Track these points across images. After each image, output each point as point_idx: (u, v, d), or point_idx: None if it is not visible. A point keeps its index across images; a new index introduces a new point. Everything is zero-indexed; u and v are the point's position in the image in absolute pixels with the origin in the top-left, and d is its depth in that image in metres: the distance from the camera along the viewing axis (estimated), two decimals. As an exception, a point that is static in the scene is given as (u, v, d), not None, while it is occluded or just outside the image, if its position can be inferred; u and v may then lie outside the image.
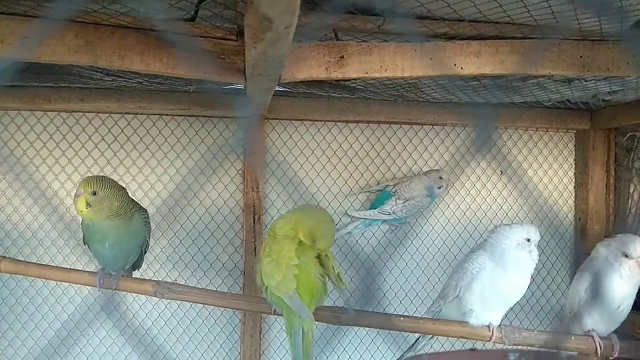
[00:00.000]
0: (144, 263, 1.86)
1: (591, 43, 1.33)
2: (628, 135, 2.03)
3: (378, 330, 1.88)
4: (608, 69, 1.34)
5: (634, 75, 1.37)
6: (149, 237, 1.43)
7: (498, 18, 1.20)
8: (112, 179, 1.35)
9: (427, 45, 1.26)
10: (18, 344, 1.84)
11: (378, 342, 2.04)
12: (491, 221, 2.08)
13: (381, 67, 1.25)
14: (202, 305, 1.83)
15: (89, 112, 1.88)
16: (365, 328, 1.92)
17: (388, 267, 2.05)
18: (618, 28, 1.25)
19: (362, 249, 2.04)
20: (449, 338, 1.92)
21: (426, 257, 2.07)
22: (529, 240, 1.34)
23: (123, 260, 1.40)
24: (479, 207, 2.09)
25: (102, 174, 1.88)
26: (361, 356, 2.04)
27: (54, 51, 1.14)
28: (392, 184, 1.98)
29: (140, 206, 1.42)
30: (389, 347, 2.03)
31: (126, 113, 1.89)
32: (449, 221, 2.08)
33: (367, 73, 1.26)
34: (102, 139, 1.90)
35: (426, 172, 1.95)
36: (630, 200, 2.04)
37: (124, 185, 1.37)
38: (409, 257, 2.06)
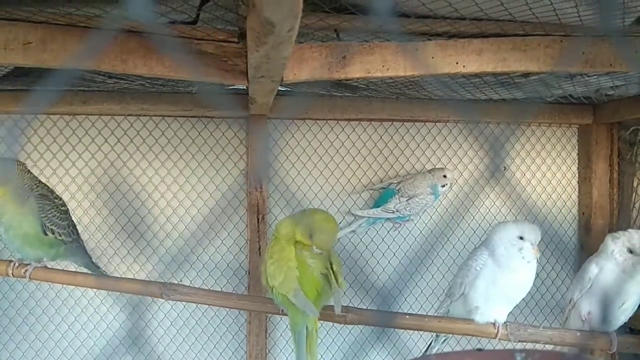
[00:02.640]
0: (147, 264, 1.89)
1: (593, 39, 1.32)
2: (631, 129, 2.02)
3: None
4: (610, 65, 1.33)
5: (637, 71, 1.37)
6: (52, 224, 1.40)
7: (500, 16, 1.20)
8: (14, 159, 1.41)
9: (429, 44, 1.26)
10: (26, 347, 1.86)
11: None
12: (495, 217, 2.08)
13: (383, 66, 1.25)
14: (207, 305, 1.84)
15: (91, 114, 1.88)
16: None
17: (392, 264, 2.05)
18: (620, 24, 1.25)
19: (366, 246, 2.04)
20: (459, 342, 1.94)
21: (430, 255, 2.07)
22: (521, 238, 1.31)
23: (29, 247, 1.39)
24: (482, 203, 2.09)
25: (105, 175, 1.89)
26: (378, 354, 2.04)
27: (56, 57, 1.15)
28: (395, 181, 1.99)
29: (45, 193, 1.42)
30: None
31: (129, 115, 1.90)
32: (452, 217, 2.08)
33: (369, 73, 1.26)
34: (105, 141, 1.90)
35: (430, 170, 1.95)
36: (634, 194, 2.03)
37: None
38: (412, 254, 2.06)
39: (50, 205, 1.39)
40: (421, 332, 1.85)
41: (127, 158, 1.91)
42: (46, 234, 1.38)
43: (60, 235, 1.40)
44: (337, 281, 1.30)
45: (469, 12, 1.17)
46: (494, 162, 1.61)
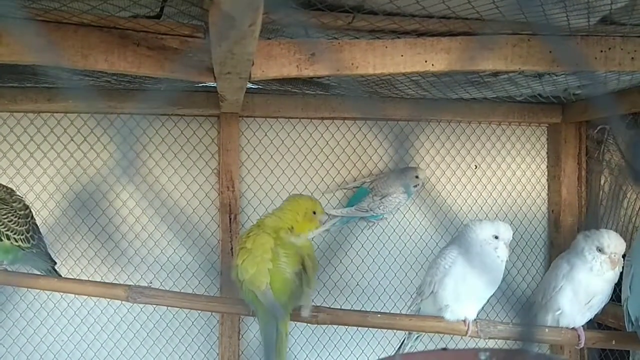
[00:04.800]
0: (116, 265, 1.84)
1: (560, 38, 1.34)
2: (598, 128, 2.06)
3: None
4: (577, 64, 1.35)
5: (602, 70, 1.39)
6: (8, 230, 1.37)
7: (467, 14, 1.20)
8: None
9: (398, 42, 1.26)
10: None
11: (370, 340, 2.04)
12: (467, 215, 2.10)
13: (352, 64, 1.24)
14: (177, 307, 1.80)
15: (57, 112, 1.83)
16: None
17: (366, 263, 2.05)
18: (585, 24, 1.27)
19: (340, 245, 2.03)
20: (432, 339, 1.95)
21: (404, 253, 2.08)
22: (496, 237, 1.33)
23: None
24: (454, 201, 2.11)
25: (71, 175, 1.84)
26: (352, 352, 2.04)
27: (13, 51, 1.10)
28: (368, 180, 1.98)
29: (2, 196, 1.39)
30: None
31: (96, 113, 1.85)
32: (425, 216, 2.09)
33: (338, 70, 1.25)
34: (72, 140, 1.85)
35: (403, 169, 1.96)
36: (601, 191, 2.07)
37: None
38: (386, 252, 2.07)
39: (7, 210, 1.34)
40: (394, 330, 1.86)
41: (94, 157, 1.86)
42: (1, 240, 1.34)
43: (16, 241, 1.36)
44: (308, 282, 1.27)
45: (437, 9, 1.17)
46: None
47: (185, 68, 1.14)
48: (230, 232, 1.88)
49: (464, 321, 1.39)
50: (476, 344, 2.03)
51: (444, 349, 0.63)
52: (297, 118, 1.99)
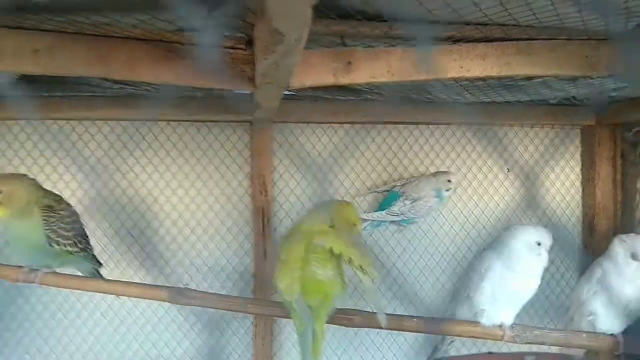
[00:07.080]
0: (154, 268, 1.90)
1: (597, 43, 1.33)
2: (634, 130, 2.03)
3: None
4: (614, 69, 1.34)
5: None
6: (57, 236, 1.39)
7: (504, 21, 1.21)
8: (21, 174, 1.42)
9: (433, 50, 1.27)
10: (34, 350, 1.87)
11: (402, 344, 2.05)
12: (499, 219, 2.09)
13: (388, 72, 1.26)
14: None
15: (98, 120, 1.90)
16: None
17: (397, 267, 2.06)
18: (623, 28, 1.26)
19: (371, 249, 2.05)
20: (465, 344, 1.95)
21: (435, 257, 2.08)
22: (539, 244, 1.33)
23: (36, 256, 1.41)
24: (487, 205, 2.10)
25: (112, 181, 1.91)
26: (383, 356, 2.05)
27: (65, 64, 1.16)
28: (400, 184, 1.99)
29: (51, 204, 1.42)
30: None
31: (134, 120, 1.91)
32: (457, 220, 2.09)
33: (374, 78, 1.27)
34: (112, 147, 1.92)
35: (435, 173, 1.96)
36: (637, 195, 2.04)
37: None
38: (418, 257, 2.07)
39: (56, 218, 1.39)
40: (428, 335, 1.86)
41: (134, 163, 1.92)
42: (52, 246, 1.39)
43: (65, 246, 1.41)
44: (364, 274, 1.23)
45: (474, 17, 1.18)
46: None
47: (228, 79, 1.18)
48: (263, 235, 1.92)
49: (501, 326, 1.39)
50: (509, 349, 2.02)
51: (490, 353, 0.64)
52: (328, 123, 2.02)
